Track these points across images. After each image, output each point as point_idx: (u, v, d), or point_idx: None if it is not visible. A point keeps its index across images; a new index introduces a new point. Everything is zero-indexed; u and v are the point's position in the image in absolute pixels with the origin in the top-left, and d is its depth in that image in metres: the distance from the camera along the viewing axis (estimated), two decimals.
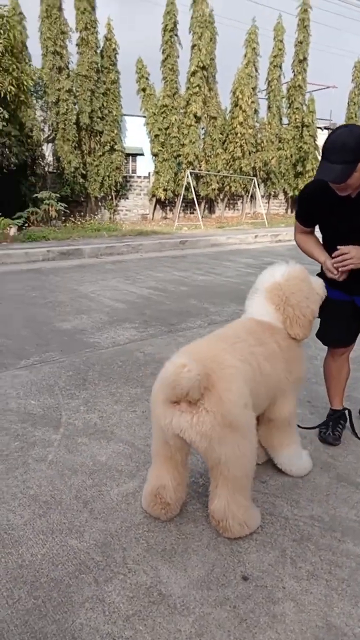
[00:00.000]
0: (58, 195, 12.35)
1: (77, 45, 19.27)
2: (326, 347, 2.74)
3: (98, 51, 19.76)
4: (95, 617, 1.56)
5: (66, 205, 12.78)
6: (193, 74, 21.24)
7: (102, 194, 20.25)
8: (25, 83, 12.03)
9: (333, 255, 2.34)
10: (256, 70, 21.96)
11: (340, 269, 2.31)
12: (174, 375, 1.65)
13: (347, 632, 1.55)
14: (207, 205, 24.45)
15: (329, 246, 2.51)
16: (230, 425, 1.72)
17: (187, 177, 18.09)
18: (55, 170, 19.30)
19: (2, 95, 11.18)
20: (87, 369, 3.50)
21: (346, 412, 2.77)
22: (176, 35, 21.19)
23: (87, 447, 2.53)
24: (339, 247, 2.31)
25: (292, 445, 2.30)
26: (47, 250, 8.03)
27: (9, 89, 11.17)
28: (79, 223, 12.71)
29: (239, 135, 21.89)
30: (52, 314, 4.88)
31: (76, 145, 19.22)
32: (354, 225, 2.34)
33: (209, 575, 1.75)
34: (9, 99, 11.41)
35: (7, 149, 15.31)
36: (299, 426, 2.64)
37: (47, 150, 19.48)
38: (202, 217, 23.12)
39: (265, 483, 2.30)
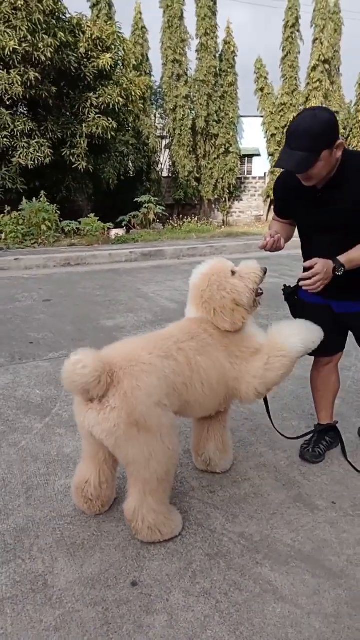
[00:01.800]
0: (157, 199, 12.83)
1: (196, 51, 19.81)
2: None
3: (217, 55, 20.08)
4: None
5: (164, 208, 13.22)
6: (314, 68, 20.54)
7: (215, 196, 20.54)
8: (133, 94, 12.66)
9: (299, 278, 2.05)
10: None
11: (310, 292, 2.04)
12: (67, 372, 1.67)
13: None
14: None
15: (303, 242, 2.32)
16: (136, 424, 1.69)
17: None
18: (170, 175, 20.05)
19: (110, 106, 11.91)
20: None
21: (333, 427, 2.53)
22: (297, 31, 20.65)
23: (60, 438, 2.65)
24: (304, 264, 2.08)
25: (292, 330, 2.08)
26: (130, 251, 8.41)
27: (117, 100, 11.86)
28: (177, 225, 13.03)
29: None
30: (104, 312, 5.13)
31: (191, 149, 19.69)
32: (323, 219, 2.12)
33: (100, 575, 1.75)
34: (117, 109, 12.11)
35: (124, 158, 16.33)
36: (282, 435, 2.48)
37: (165, 156, 20.30)
38: None
39: (214, 493, 2.21)
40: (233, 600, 1.64)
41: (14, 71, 10.02)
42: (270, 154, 21.89)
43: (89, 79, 11.68)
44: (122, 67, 13.00)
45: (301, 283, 2.03)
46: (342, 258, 2.00)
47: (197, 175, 19.79)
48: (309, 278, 1.98)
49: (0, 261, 7.64)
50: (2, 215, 9.68)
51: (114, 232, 11.40)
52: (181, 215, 16.77)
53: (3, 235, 9.44)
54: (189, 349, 1.89)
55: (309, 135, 1.84)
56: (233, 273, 2.05)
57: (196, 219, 14.53)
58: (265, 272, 2.10)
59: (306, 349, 2.04)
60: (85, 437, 1.90)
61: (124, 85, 12.39)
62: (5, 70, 10.07)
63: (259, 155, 22.88)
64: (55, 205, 10.54)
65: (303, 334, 2.03)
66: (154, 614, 1.59)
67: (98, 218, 10.61)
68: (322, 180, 2.00)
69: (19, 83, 10.01)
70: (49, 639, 1.50)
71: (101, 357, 1.70)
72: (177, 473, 2.36)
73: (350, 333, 2.39)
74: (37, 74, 10.25)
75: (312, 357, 2.51)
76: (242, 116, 21.88)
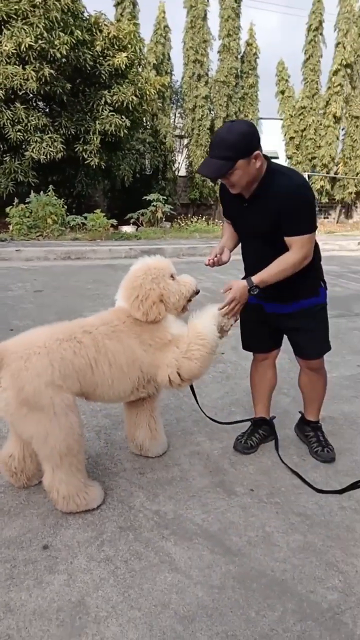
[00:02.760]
0: (165, 197, 13.01)
1: (218, 52, 19.90)
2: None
3: (238, 57, 20.14)
4: None
5: (172, 207, 13.37)
6: (335, 72, 20.51)
7: None
8: (148, 93, 12.83)
9: (221, 310, 2.20)
10: None
11: (231, 316, 2.22)
12: None
13: (92, 612, 1.61)
14: (343, 210, 23.37)
15: (242, 246, 2.45)
16: (26, 403, 1.84)
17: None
18: (187, 174, 20.19)
19: (124, 105, 12.10)
20: None
21: (267, 421, 2.67)
22: (321, 34, 20.67)
23: None
24: (222, 290, 2.23)
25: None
26: (130, 248, 8.61)
27: (131, 99, 12.04)
28: (183, 225, 13.18)
29: None
30: (89, 304, 5.32)
31: (209, 149, 19.70)
32: (249, 229, 2.29)
33: (17, 537, 1.92)
34: (131, 108, 12.29)
35: (140, 156, 16.53)
36: (215, 421, 2.63)
37: (183, 155, 20.46)
38: (337, 223, 22.18)
39: (143, 475, 2.37)
40: (130, 567, 1.80)
41: (29, 67, 10.28)
42: (289, 157, 21.97)
43: (104, 77, 11.90)
44: (138, 66, 13.18)
45: (222, 311, 2.19)
46: (255, 279, 2.15)
47: None
48: (228, 305, 2.16)
49: (3, 252, 7.91)
50: (11, 207, 9.97)
51: (124, 229, 11.65)
52: (196, 215, 16.86)
53: (10, 227, 9.74)
54: (98, 333, 2.02)
55: (224, 145, 2.00)
56: (172, 277, 2.20)
57: (203, 219, 14.62)
58: (197, 292, 2.28)
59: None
60: None
61: (139, 84, 12.57)
62: (21, 66, 10.33)
63: (277, 157, 22.88)
64: (64, 199, 10.80)
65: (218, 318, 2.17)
66: (55, 573, 1.76)
67: (103, 214, 10.84)
68: (246, 189, 2.14)
69: (34, 79, 10.26)
70: None
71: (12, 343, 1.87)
72: (114, 455, 2.53)
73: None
74: (52, 71, 10.50)
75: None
76: (261, 118, 21.96)
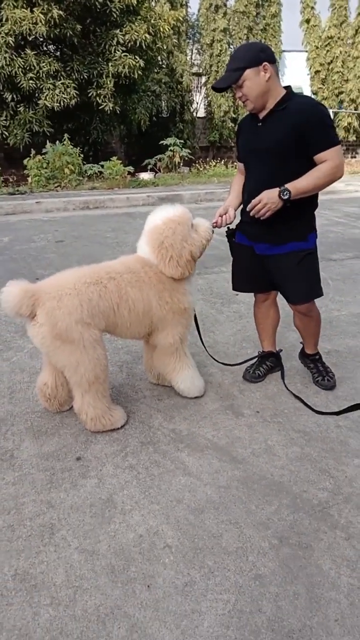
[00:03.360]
0: (182, 141, 12.78)
1: None
2: None
3: None
4: None
5: (190, 151, 13.17)
6: None
7: None
8: (162, 30, 12.36)
9: (247, 208, 2.31)
10: None
11: (262, 218, 2.25)
12: (1, 300, 2.11)
13: (118, 506, 1.94)
14: None
15: (245, 177, 2.49)
16: (59, 337, 2.12)
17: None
18: (206, 115, 19.57)
19: (137, 44, 11.72)
20: None
21: (274, 354, 2.91)
22: None
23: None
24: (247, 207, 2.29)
25: (183, 370, 2.55)
26: (147, 195, 8.67)
27: (144, 37, 11.65)
28: (202, 169, 12.99)
29: None
30: (109, 252, 5.54)
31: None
32: (261, 147, 2.28)
33: (55, 451, 2.26)
34: (144, 47, 11.90)
35: (157, 97, 16.09)
36: (223, 363, 2.89)
37: (201, 95, 19.76)
38: None
39: (161, 401, 2.67)
40: (150, 472, 2.12)
41: (37, 9, 10.02)
42: (314, 92, 20.96)
43: (115, 15, 11.49)
44: (150, 0, 12.64)
45: (252, 212, 2.24)
46: (288, 185, 2.17)
47: (234, 116, 19.11)
48: (256, 205, 2.22)
49: (23, 204, 8.11)
50: (28, 159, 10.04)
51: (141, 176, 11.62)
52: (216, 158, 16.48)
53: (29, 179, 9.85)
54: (122, 280, 2.24)
55: (235, 59, 2.17)
56: (192, 225, 2.36)
57: (222, 162, 14.35)
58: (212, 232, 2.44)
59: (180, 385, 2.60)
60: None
61: (152, 21, 12.10)
62: (29, 9, 10.07)
63: (301, 93, 21.89)
64: (80, 148, 10.77)
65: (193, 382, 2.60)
66: (87, 478, 2.09)
67: (120, 161, 10.80)
68: (259, 105, 2.21)
69: (43, 22, 10.02)
70: (7, 489, 2.03)
71: (26, 285, 2.12)
72: (135, 385, 2.83)
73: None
74: (60, 12, 10.22)
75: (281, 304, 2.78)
76: (284, 51, 20.84)
